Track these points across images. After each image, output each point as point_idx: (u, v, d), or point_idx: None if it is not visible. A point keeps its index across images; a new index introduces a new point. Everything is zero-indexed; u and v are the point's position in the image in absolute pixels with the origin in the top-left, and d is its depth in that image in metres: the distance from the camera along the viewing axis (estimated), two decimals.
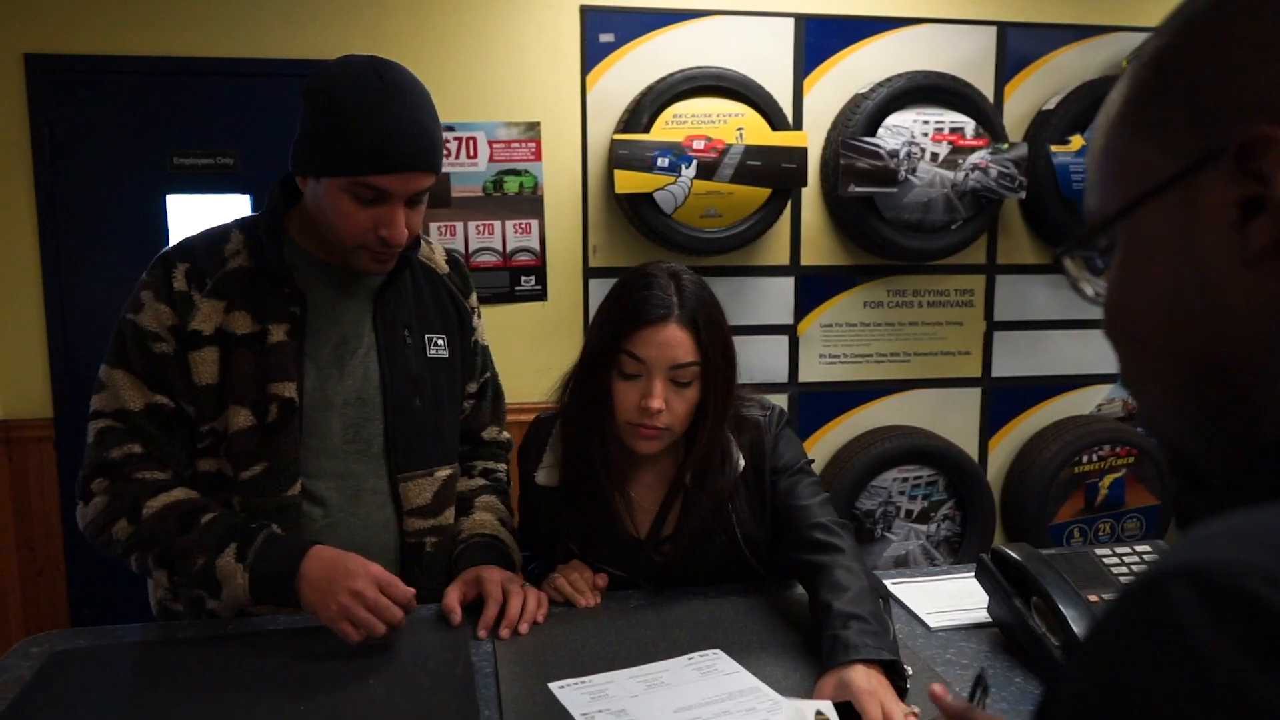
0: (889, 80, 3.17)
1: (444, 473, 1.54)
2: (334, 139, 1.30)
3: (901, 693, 1.17)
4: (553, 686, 1.20)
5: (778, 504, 1.50)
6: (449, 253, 1.65)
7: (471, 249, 3.15)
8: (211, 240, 1.42)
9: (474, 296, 1.66)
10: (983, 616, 1.40)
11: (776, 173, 3.06)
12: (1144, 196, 0.49)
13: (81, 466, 1.39)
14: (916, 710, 1.13)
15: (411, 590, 1.31)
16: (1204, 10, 0.48)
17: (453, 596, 1.39)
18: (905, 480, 3.39)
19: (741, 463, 1.49)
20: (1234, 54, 0.46)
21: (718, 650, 1.30)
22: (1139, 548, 1.42)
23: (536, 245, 3.19)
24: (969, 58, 3.35)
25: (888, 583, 1.52)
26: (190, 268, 1.37)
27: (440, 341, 1.53)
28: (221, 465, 1.40)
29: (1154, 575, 0.36)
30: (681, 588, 1.52)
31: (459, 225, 3.12)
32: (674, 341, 1.37)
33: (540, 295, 3.21)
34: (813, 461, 1.59)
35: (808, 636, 1.33)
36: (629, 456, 1.49)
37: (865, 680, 1.14)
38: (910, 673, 1.21)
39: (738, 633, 1.36)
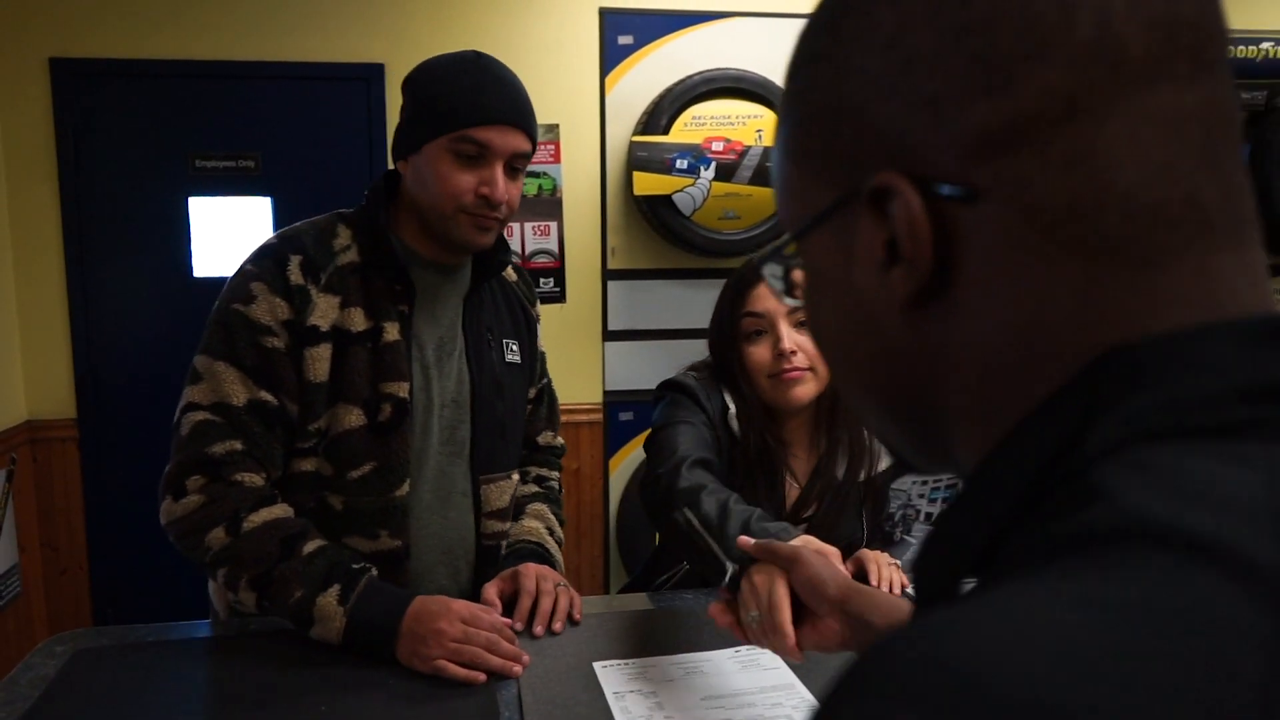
0: None
1: (517, 476, 1.57)
2: (432, 104, 1.33)
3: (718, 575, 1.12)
4: (596, 666, 1.24)
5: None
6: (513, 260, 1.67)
7: None
8: (319, 233, 1.39)
9: (538, 304, 1.69)
10: None
11: None
12: (809, 226, 0.45)
13: (172, 458, 1.33)
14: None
15: (501, 620, 1.31)
16: (821, 29, 0.43)
17: (491, 591, 1.40)
18: (925, 483, 3.36)
19: (884, 461, 1.58)
20: (853, 85, 0.41)
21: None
22: None
23: (555, 247, 3.20)
24: None
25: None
26: (304, 260, 1.34)
27: (514, 347, 1.55)
28: (320, 465, 1.37)
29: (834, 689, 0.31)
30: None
31: None
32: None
33: (559, 297, 3.21)
34: None
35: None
36: (783, 433, 1.58)
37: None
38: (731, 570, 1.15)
39: None
